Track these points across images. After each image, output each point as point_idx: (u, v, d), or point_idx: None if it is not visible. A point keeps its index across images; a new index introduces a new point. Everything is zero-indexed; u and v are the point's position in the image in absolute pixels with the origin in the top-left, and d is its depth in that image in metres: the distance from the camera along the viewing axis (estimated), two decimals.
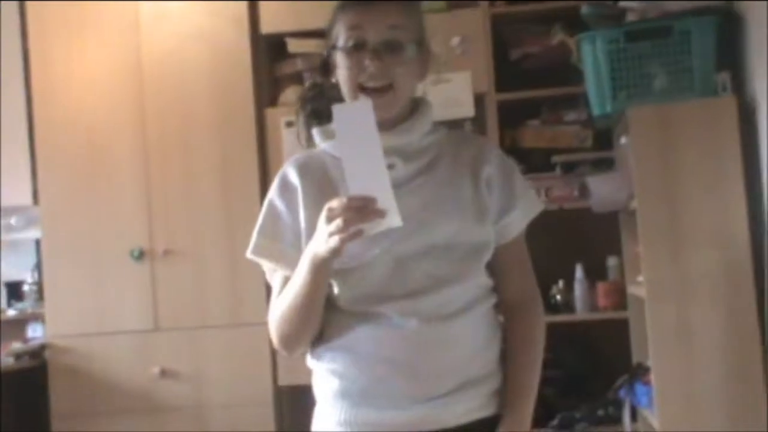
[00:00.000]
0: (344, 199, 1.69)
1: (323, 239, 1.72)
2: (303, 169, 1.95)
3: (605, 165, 4.36)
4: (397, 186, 1.74)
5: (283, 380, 4.40)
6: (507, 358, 1.95)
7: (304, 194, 1.92)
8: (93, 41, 4.60)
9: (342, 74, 1.92)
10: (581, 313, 4.35)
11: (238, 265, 4.39)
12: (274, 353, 4.34)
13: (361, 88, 1.88)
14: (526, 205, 1.98)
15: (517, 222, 1.97)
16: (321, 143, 1.99)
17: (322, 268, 1.79)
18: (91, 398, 4.52)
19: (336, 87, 1.96)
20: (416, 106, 1.99)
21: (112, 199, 4.56)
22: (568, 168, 4.41)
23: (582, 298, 4.34)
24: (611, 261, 4.41)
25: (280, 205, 1.94)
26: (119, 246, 4.53)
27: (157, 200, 4.53)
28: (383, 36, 1.89)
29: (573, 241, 4.46)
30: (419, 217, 1.84)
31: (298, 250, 1.86)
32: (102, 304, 4.55)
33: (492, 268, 1.96)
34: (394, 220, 1.69)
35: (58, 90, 4.62)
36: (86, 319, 4.56)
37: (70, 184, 4.60)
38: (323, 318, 1.90)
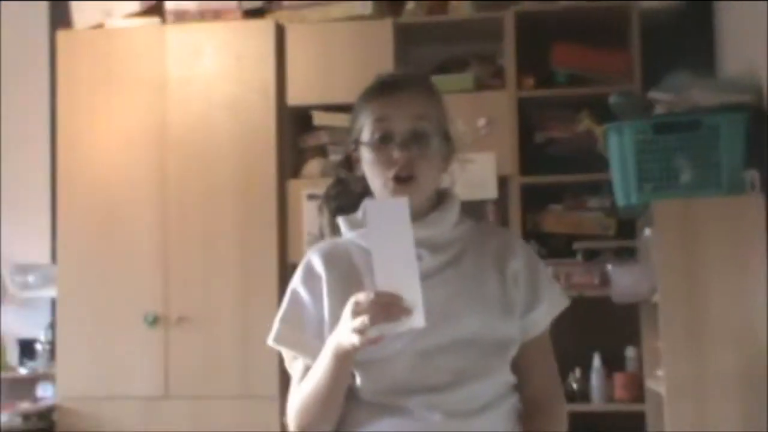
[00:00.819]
0: (371, 294, 1.67)
1: (347, 333, 1.70)
2: (328, 258, 1.93)
3: (627, 254, 4.33)
4: (423, 278, 1.72)
5: None
6: None
7: (329, 284, 1.89)
8: (119, 102, 4.63)
9: (369, 168, 1.91)
10: (597, 403, 4.28)
11: (251, 336, 4.35)
12: (283, 427, 4.27)
13: (394, 180, 1.86)
14: (552, 300, 1.96)
15: (543, 318, 1.95)
16: (347, 232, 1.97)
17: (344, 360, 1.77)
18: None
19: (360, 180, 1.95)
20: (443, 197, 1.97)
21: (130, 262, 4.55)
22: (590, 255, 4.38)
23: (599, 388, 4.28)
24: (629, 352, 4.35)
25: (304, 293, 1.92)
26: (134, 310, 4.51)
27: (174, 266, 4.51)
28: (410, 127, 1.88)
29: (591, 330, 4.39)
30: (445, 310, 1.81)
31: (321, 341, 1.84)
32: (113, 367, 4.52)
33: (516, 364, 1.93)
34: (418, 320, 1.67)
35: (82, 149, 4.64)
36: (97, 382, 4.52)
37: (88, 245, 4.59)
38: (343, 410, 1.87)
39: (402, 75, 2.01)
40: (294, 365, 1.95)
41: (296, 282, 1.95)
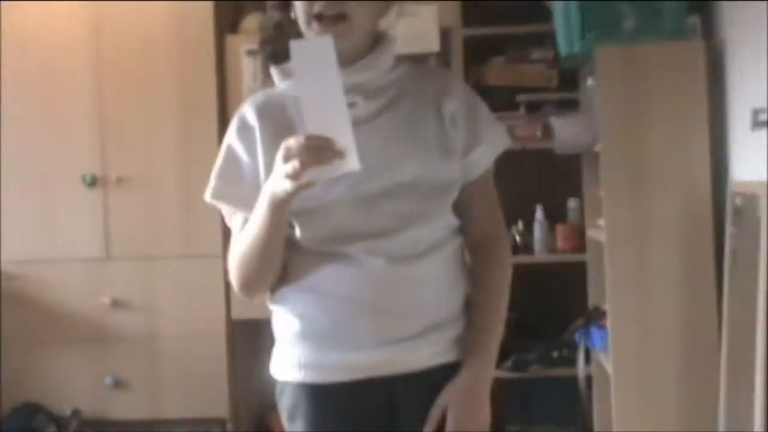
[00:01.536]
0: (302, 139, 1.61)
1: (279, 179, 1.65)
2: (261, 110, 1.88)
3: (570, 106, 4.32)
4: (359, 124, 1.68)
5: (237, 314, 4.35)
6: (472, 299, 1.90)
7: (263, 135, 1.85)
8: None
9: (296, 6, 1.83)
10: (540, 254, 4.34)
11: (193, 195, 4.27)
12: (228, 286, 4.27)
13: (315, 18, 1.79)
14: (493, 140, 1.92)
15: (484, 158, 1.91)
16: (280, 83, 1.91)
17: (279, 209, 1.72)
18: (42, 326, 4.46)
19: (295, 23, 1.86)
20: (378, 40, 1.91)
21: (66, 123, 4.45)
22: (533, 108, 4.37)
23: (541, 239, 4.33)
24: (571, 203, 4.39)
25: (238, 147, 1.88)
26: (72, 172, 4.43)
27: (112, 126, 4.42)
28: None
29: (534, 182, 4.42)
30: (382, 155, 1.78)
31: (258, 192, 1.78)
32: (54, 230, 4.47)
33: (458, 206, 1.90)
34: (352, 163, 1.62)
35: (18, 11, 4.46)
36: (38, 246, 4.48)
37: (24, 108, 4.47)
38: (285, 260, 1.84)
39: None
40: (234, 219, 1.92)
41: (230, 136, 1.90)
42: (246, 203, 1.84)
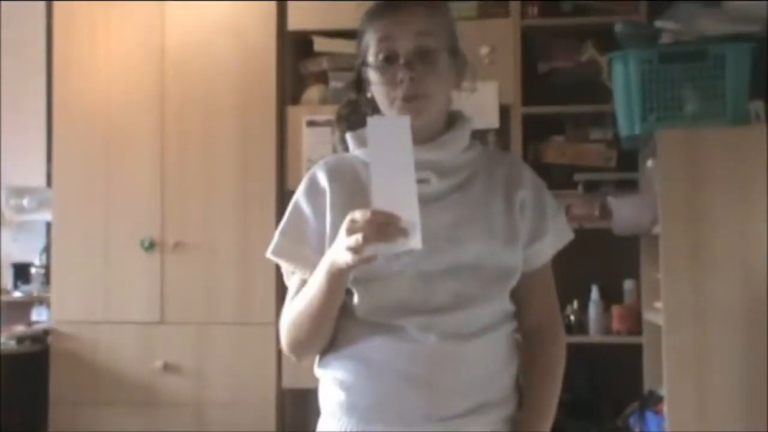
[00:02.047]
0: (368, 212, 1.62)
1: (341, 250, 1.66)
2: (333, 173, 1.90)
3: (628, 186, 4.31)
4: (430, 201, 1.70)
5: (288, 383, 4.34)
6: (525, 383, 1.90)
7: (332, 198, 1.86)
8: (118, 26, 4.57)
9: (377, 90, 1.87)
10: (594, 335, 4.29)
11: (249, 262, 4.34)
12: (280, 354, 4.28)
13: (396, 100, 1.83)
14: (557, 232, 1.94)
15: (548, 249, 1.93)
16: (354, 149, 1.94)
17: (337, 278, 1.74)
18: (92, 387, 4.48)
19: (371, 102, 1.91)
20: (453, 120, 1.93)
21: (127, 186, 4.52)
22: (591, 187, 4.36)
23: (596, 320, 4.28)
24: (628, 284, 4.35)
25: (306, 207, 1.89)
26: (130, 235, 4.49)
27: (172, 191, 4.48)
28: (413, 45, 1.83)
29: (590, 262, 4.38)
30: (449, 235, 1.78)
31: (321, 255, 1.80)
32: (109, 292, 4.51)
33: (515, 292, 1.90)
34: (415, 241, 1.63)
35: (79, 72, 4.59)
36: (92, 306, 4.52)
37: (85, 169, 4.56)
38: (337, 326, 1.85)
39: None
40: (292, 279, 1.93)
41: (299, 194, 1.92)
42: (306, 264, 1.85)
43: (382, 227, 1.61)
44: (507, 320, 1.89)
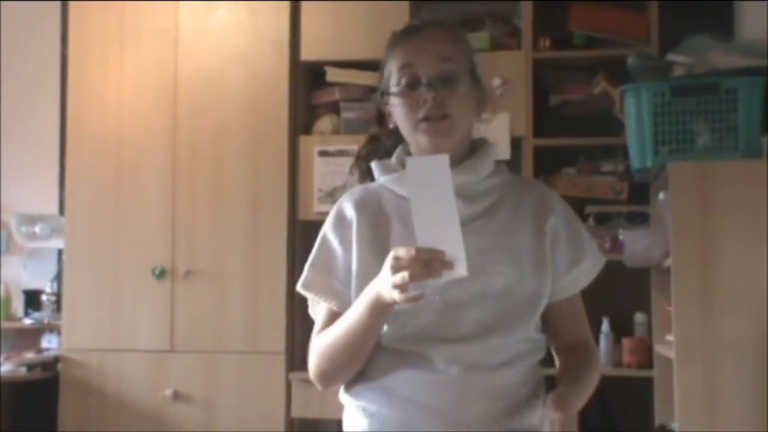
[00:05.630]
0: (412, 250, 1.64)
1: (387, 287, 1.68)
2: (359, 203, 1.93)
3: (639, 219, 4.31)
4: None
5: (297, 412, 4.33)
6: (560, 376, 1.87)
7: (359, 228, 1.89)
8: (131, 53, 4.60)
9: (399, 116, 1.88)
10: (605, 368, 4.26)
11: (259, 291, 4.34)
12: (289, 383, 4.28)
13: (422, 121, 1.84)
14: (594, 258, 1.96)
15: (587, 274, 1.94)
16: (380, 177, 1.96)
17: (382, 314, 1.76)
18: (101, 415, 4.47)
19: (393, 134, 1.94)
20: (478, 145, 1.95)
21: (138, 215, 4.53)
22: (602, 219, 4.36)
23: (607, 352, 4.26)
24: (639, 317, 4.33)
25: (333, 239, 1.92)
26: (141, 263, 4.49)
27: (183, 220, 4.49)
28: (436, 69, 1.85)
29: (601, 294, 4.34)
30: (476, 262, 1.77)
31: (348, 287, 1.84)
32: (119, 320, 4.51)
33: (550, 318, 1.92)
34: (460, 270, 1.65)
35: (92, 100, 4.61)
36: (102, 334, 4.52)
37: (96, 197, 4.57)
38: None
39: (424, 21, 1.99)
40: (318, 310, 1.95)
41: (327, 227, 1.95)
42: (335, 296, 1.89)
43: (428, 263, 1.63)
44: (533, 351, 1.88)
